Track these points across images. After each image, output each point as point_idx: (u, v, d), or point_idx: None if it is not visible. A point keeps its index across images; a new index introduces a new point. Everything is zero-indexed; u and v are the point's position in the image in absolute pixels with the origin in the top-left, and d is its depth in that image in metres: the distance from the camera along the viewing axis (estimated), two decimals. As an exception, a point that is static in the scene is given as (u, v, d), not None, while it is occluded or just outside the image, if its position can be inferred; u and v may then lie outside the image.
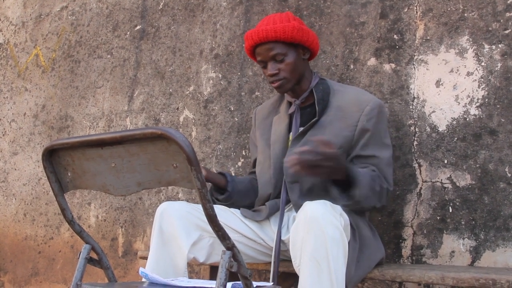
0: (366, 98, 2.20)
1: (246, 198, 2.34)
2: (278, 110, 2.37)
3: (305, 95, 2.26)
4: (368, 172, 2.08)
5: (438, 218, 2.37)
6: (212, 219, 1.36)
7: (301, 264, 1.83)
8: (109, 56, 3.63)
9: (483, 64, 2.35)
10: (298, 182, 2.18)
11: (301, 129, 2.23)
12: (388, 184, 2.16)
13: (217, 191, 2.33)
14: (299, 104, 2.27)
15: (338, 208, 1.94)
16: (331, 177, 2.00)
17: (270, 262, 2.14)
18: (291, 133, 2.26)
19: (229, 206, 2.30)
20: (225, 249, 1.40)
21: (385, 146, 2.18)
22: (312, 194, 2.10)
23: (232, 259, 1.39)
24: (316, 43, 2.26)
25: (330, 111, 2.21)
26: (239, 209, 2.30)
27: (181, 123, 3.23)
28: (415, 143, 2.45)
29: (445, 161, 2.38)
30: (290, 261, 2.21)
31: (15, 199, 4.00)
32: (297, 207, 2.13)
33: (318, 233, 1.79)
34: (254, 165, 2.48)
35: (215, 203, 2.31)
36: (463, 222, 2.32)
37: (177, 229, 2.06)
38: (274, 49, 2.18)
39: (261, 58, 2.22)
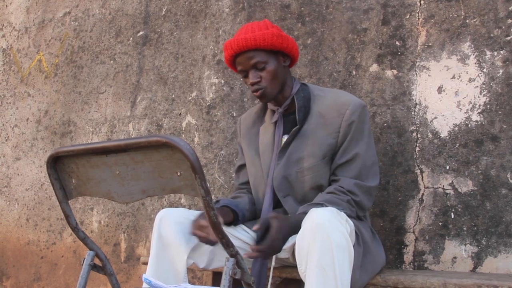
0: (345, 100, 2.16)
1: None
2: (263, 119, 2.36)
3: (287, 102, 2.24)
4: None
5: (440, 224, 2.38)
6: (216, 226, 1.37)
7: (307, 270, 1.83)
8: (112, 61, 3.65)
9: (484, 70, 2.36)
10: (290, 195, 2.19)
11: (286, 137, 2.22)
12: (372, 181, 2.15)
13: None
14: (282, 112, 2.26)
15: (343, 214, 1.95)
16: (286, 239, 2.00)
17: (271, 269, 2.15)
18: (275, 140, 2.25)
19: None
20: (228, 256, 1.41)
21: (368, 145, 2.16)
22: (306, 203, 2.11)
23: (235, 266, 1.40)
24: (295, 50, 2.23)
25: (312, 119, 2.19)
26: None
27: (183, 129, 3.24)
28: (417, 149, 2.46)
29: (447, 167, 2.38)
30: (292, 267, 2.22)
31: (18, 204, 4.01)
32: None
33: (324, 239, 1.80)
34: (238, 171, 2.46)
35: None
36: (465, 228, 2.33)
37: (176, 234, 2.07)
38: (254, 57, 2.15)
39: (242, 67, 2.19)
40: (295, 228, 1.96)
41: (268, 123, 2.31)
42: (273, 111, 2.30)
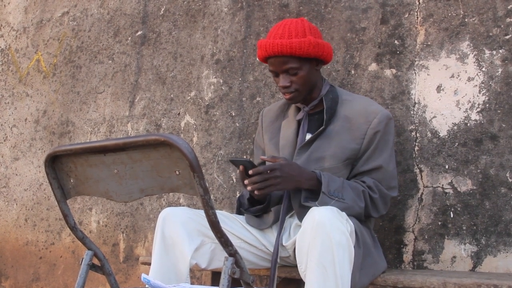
0: (374, 109, 2.18)
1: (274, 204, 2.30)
2: (287, 114, 2.35)
3: (314, 103, 2.24)
4: (348, 181, 2.12)
5: (439, 223, 2.38)
6: (215, 225, 1.37)
7: (307, 269, 1.83)
8: (110, 61, 3.64)
9: (483, 69, 2.35)
10: (300, 191, 2.18)
11: (308, 135, 2.23)
12: (391, 191, 2.17)
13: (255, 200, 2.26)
14: (308, 111, 2.26)
15: (344, 214, 1.95)
16: (293, 186, 2.05)
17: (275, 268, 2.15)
18: (298, 138, 2.26)
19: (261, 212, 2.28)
20: (227, 256, 1.40)
21: (390, 157, 2.18)
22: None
23: (234, 266, 1.40)
24: (330, 54, 2.21)
25: (337, 121, 2.20)
26: (243, 215, 2.30)
27: (182, 129, 3.23)
28: (416, 148, 2.46)
29: (446, 166, 2.38)
30: (292, 266, 2.22)
31: (16, 204, 4.00)
32: (299, 214, 2.13)
33: (324, 238, 1.80)
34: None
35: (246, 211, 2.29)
36: (464, 227, 2.32)
37: (180, 235, 2.06)
38: (288, 63, 2.14)
39: (274, 68, 2.18)
40: (305, 175, 2.04)
41: (291, 119, 2.31)
42: (298, 108, 2.30)
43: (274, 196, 2.24)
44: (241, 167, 2.03)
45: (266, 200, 2.22)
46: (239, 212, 2.33)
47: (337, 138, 2.17)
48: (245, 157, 2.96)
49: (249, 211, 2.27)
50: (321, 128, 2.19)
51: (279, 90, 2.23)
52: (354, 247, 1.91)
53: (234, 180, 2.99)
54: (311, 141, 2.20)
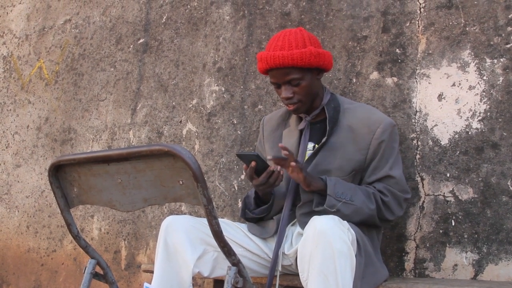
0: (377, 118, 2.19)
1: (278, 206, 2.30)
2: (288, 123, 2.36)
3: (316, 112, 2.25)
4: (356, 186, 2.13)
5: (440, 231, 2.38)
6: (218, 235, 1.38)
7: (309, 278, 1.83)
8: (112, 69, 3.65)
9: (485, 78, 2.36)
10: (306, 204, 2.17)
11: (310, 144, 2.23)
12: (403, 194, 2.19)
13: (260, 199, 2.27)
14: (309, 120, 2.26)
15: (346, 222, 1.95)
16: (302, 181, 2.06)
17: (274, 276, 2.15)
18: (300, 147, 2.25)
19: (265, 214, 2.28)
20: (230, 265, 1.41)
21: (397, 164, 2.19)
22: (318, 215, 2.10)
23: (237, 275, 1.40)
24: (330, 63, 2.22)
25: (341, 131, 2.19)
26: (247, 216, 2.31)
27: (184, 136, 3.24)
28: (418, 156, 2.46)
29: (448, 175, 2.39)
30: (294, 275, 2.22)
31: (18, 211, 4.00)
32: (301, 223, 2.14)
33: (326, 247, 1.80)
34: None
35: (252, 214, 2.29)
36: (465, 236, 2.33)
37: (183, 243, 2.06)
38: (290, 74, 2.14)
39: (275, 80, 2.18)
40: (315, 179, 2.07)
41: (293, 128, 2.31)
42: (300, 117, 2.31)
43: (278, 198, 2.24)
44: (253, 163, 2.03)
45: (271, 199, 2.22)
46: (243, 213, 2.33)
47: (341, 150, 2.17)
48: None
49: (254, 213, 2.27)
50: (324, 140, 2.19)
51: (282, 101, 2.23)
52: (355, 255, 1.92)
53: (236, 187, 2.99)
54: (315, 153, 2.20)
